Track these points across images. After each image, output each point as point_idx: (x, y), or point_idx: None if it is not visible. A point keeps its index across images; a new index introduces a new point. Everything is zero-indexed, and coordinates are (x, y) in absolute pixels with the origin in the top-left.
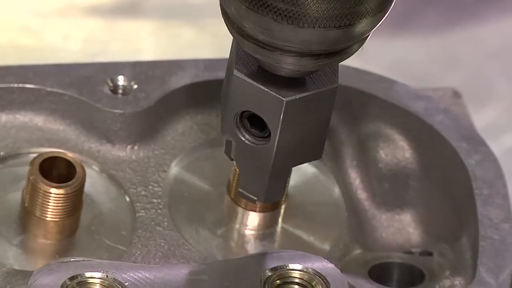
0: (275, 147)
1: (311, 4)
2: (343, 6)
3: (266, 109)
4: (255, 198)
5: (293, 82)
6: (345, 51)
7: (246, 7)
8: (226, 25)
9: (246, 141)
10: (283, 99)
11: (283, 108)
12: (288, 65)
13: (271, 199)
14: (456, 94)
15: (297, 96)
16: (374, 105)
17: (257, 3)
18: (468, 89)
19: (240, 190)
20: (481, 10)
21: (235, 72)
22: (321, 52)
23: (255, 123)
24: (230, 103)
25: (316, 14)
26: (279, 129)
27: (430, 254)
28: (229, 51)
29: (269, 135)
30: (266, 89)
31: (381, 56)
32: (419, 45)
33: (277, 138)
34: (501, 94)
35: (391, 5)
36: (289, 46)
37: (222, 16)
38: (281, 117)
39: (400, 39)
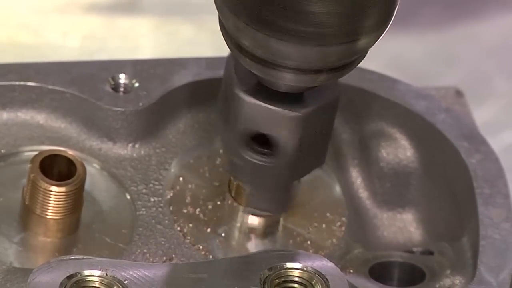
0: (288, 162)
1: (310, 21)
2: (344, 24)
3: (279, 128)
4: (269, 213)
5: (294, 97)
6: (346, 66)
7: (244, 23)
8: (224, 39)
9: (257, 161)
10: (299, 114)
11: (299, 123)
12: (287, 81)
13: (284, 209)
14: (459, 93)
15: (309, 110)
16: (376, 104)
17: (254, 19)
18: (467, 86)
19: (250, 208)
20: (479, 7)
21: (242, 95)
22: (321, 68)
23: (259, 142)
24: (237, 126)
25: (316, 31)
26: (294, 144)
27: (431, 253)
28: (225, 68)
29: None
30: (277, 108)
31: (379, 53)
32: (418, 42)
33: (291, 153)
34: (500, 91)
35: (390, 20)
36: (288, 62)
37: (221, 29)
38: (299, 132)
39: (398, 36)
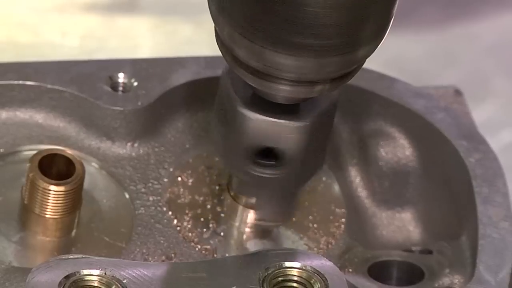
0: (295, 170)
1: (307, 33)
2: (340, 35)
3: (287, 139)
4: (278, 222)
5: (293, 107)
6: (343, 77)
7: (238, 34)
8: (220, 50)
9: (264, 175)
10: (307, 123)
11: (306, 132)
12: (285, 92)
13: (289, 216)
14: (457, 93)
15: (313, 117)
16: (375, 103)
17: (249, 30)
18: (466, 85)
19: (258, 222)
20: (478, 6)
21: (246, 112)
22: (318, 79)
23: (263, 155)
24: (242, 143)
25: (313, 43)
26: (301, 152)
27: (429, 252)
28: (220, 87)
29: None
30: (283, 121)
31: (378, 52)
32: (417, 42)
33: (298, 161)
34: (499, 90)
35: (387, 31)
36: (285, 74)
37: (216, 41)
38: (306, 140)
39: (397, 36)
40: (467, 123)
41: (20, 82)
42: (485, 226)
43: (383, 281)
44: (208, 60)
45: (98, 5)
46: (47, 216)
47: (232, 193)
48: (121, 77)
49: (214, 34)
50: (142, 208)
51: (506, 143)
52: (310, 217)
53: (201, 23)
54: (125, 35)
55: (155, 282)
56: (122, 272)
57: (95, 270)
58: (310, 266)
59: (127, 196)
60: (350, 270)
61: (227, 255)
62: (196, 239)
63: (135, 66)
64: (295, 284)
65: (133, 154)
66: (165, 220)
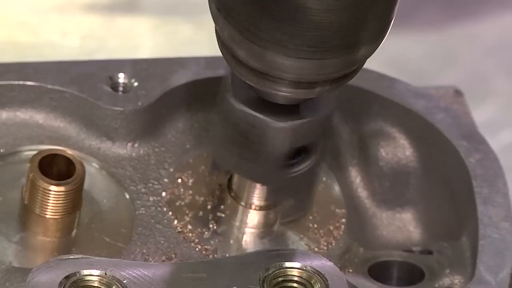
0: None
1: (308, 34)
2: (341, 37)
3: (316, 135)
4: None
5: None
6: (343, 78)
7: (239, 34)
8: (221, 52)
9: (299, 172)
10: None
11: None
12: (284, 92)
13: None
14: (458, 93)
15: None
16: (375, 103)
17: (250, 30)
18: (466, 86)
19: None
20: (478, 6)
21: (278, 124)
22: (316, 80)
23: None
24: (274, 153)
25: (314, 44)
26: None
27: (430, 252)
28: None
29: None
30: (312, 119)
31: (379, 52)
32: (417, 42)
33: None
34: (499, 90)
35: (387, 32)
36: (284, 74)
37: (217, 42)
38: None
39: (398, 36)
40: (467, 123)
41: (20, 82)
42: (486, 226)
43: (383, 281)
44: (208, 61)
45: (98, 5)
46: (47, 216)
47: (232, 193)
48: (121, 77)
49: (214, 35)
50: (142, 209)
51: (506, 143)
52: (310, 217)
53: (201, 23)
54: (125, 35)
55: (155, 282)
56: (122, 273)
57: (95, 270)
58: (311, 266)
59: (127, 196)
60: (351, 270)
61: (227, 255)
62: (196, 240)
63: (135, 66)
64: (295, 285)
65: (134, 154)
66: (166, 221)
